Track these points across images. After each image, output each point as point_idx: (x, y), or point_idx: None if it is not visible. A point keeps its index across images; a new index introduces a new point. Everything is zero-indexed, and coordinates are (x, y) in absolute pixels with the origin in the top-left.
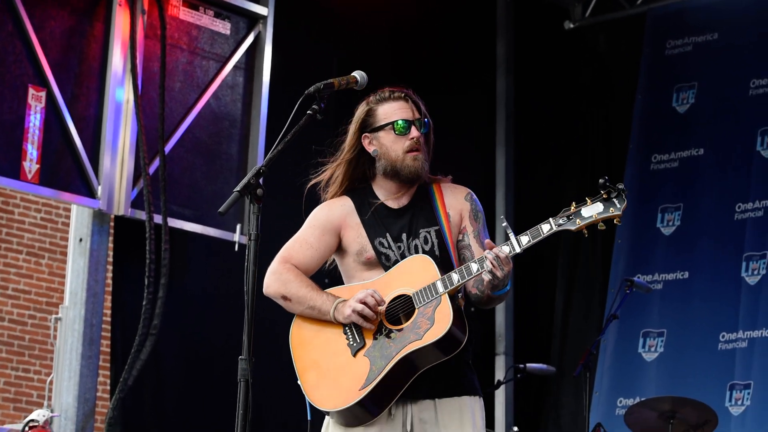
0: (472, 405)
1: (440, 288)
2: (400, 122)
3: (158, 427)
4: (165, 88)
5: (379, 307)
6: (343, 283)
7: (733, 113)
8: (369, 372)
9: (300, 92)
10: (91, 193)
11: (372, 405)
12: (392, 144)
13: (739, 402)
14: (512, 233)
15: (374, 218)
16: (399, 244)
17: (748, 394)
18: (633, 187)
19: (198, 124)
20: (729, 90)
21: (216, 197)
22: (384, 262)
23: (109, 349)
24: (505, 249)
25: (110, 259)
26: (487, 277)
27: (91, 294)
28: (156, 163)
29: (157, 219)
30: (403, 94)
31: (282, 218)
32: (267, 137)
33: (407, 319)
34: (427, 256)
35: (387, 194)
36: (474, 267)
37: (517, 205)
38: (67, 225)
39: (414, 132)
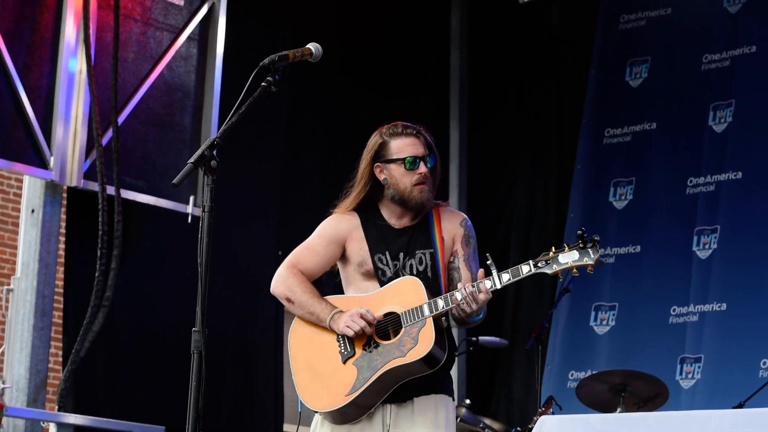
0: (446, 403)
1: (426, 311)
2: (410, 158)
3: (111, 398)
4: (118, 58)
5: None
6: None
7: (685, 88)
8: (355, 380)
9: (254, 64)
10: (43, 164)
11: (356, 409)
12: (402, 177)
13: (690, 375)
14: (495, 269)
15: (377, 235)
16: (396, 261)
17: (699, 367)
18: (586, 161)
19: (151, 96)
20: (682, 65)
21: (169, 169)
22: (380, 276)
23: (61, 321)
24: (487, 284)
25: (63, 231)
26: (461, 305)
27: (44, 265)
28: (109, 134)
29: (110, 190)
30: (414, 131)
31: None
32: (220, 109)
33: (395, 335)
34: (418, 280)
35: (391, 215)
36: (458, 296)
37: (470, 178)
38: (19, 196)
39: (422, 168)
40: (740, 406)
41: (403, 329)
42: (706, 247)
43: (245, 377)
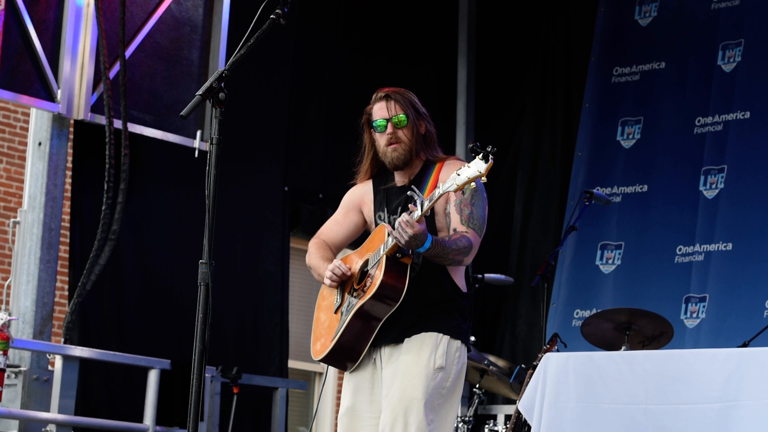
0: (436, 339)
1: (381, 250)
2: (377, 122)
3: (117, 331)
4: None
5: (349, 272)
6: None
7: (695, 27)
8: (338, 325)
9: None
10: (50, 97)
11: (344, 352)
12: (379, 140)
13: (695, 315)
14: (419, 197)
15: (382, 196)
16: (394, 216)
17: (704, 307)
18: (594, 100)
19: (159, 29)
20: (691, 3)
21: (176, 103)
22: None
23: (67, 256)
24: (414, 214)
25: (69, 164)
26: (393, 239)
27: (50, 198)
28: (116, 67)
29: (117, 124)
30: (384, 95)
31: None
32: (228, 44)
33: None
34: (386, 224)
35: (398, 175)
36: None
37: (477, 116)
38: (26, 130)
39: (389, 128)
40: (744, 345)
41: (368, 271)
42: (713, 186)
43: (251, 312)
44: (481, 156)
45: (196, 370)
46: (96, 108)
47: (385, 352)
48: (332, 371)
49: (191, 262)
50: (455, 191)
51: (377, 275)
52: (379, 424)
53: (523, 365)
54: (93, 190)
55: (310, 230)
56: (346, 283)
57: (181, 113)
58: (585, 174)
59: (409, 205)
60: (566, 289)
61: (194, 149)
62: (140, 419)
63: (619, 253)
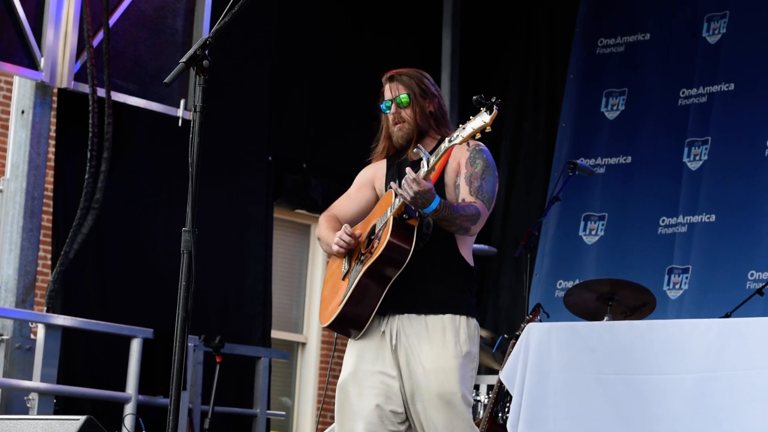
0: (456, 323)
1: (388, 213)
2: (383, 104)
3: (99, 300)
4: None
5: (358, 239)
6: None
7: None
8: (345, 290)
9: None
10: (33, 65)
11: (352, 317)
12: (387, 121)
13: (677, 286)
14: (425, 154)
15: (395, 170)
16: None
17: (686, 278)
18: (578, 71)
19: None
20: None
21: (160, 72)
22: None
23: (50, 225)
24: (421, 172)
25: (52, 133)
26: (400, 195)
27: (33, 166)
28: (100, 36)
29: (101, 92)
30: (388, 77)
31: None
32: (213, 11)
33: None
34: (391, 189)
35: (410, 152)
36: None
37: (461, 87)
38: (8, 98)
39: (393, 109)
40: (727, 316)
41: (376, 234)
42: (697, 158)
43: (235, 281)
44: (485, 108)
45: (178, 338)
46: (79, 76)
47: (395, 323)
48: (318, 341)
49: (175, 231)
50: (460, 143)
51: (383, 236)
52: (378, 396)
53: (505, 335)
54: (76, 158)
55: (293, 200)
56: (353, 251)
57: (165, 80)
58: (569, 145)
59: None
60: (549, 260)
61: (178, 118)
62: (123, 388)
63: (603, 224)
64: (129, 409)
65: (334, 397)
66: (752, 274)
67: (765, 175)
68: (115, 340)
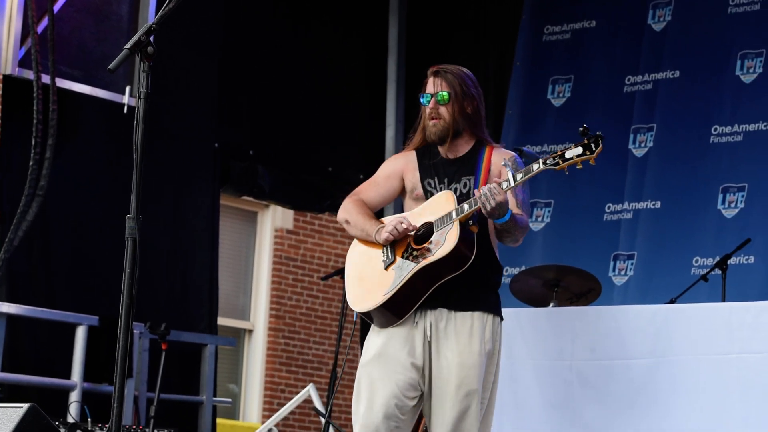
0: (484, 322)
1: (453, 215)
2: (423, 96)
3: (45, 288)
4: None
5: (409, 232)
6: None
7: None
8: (393, 281)
9: None
10: None
11: (394, 308)
12: (424, 114)
13: (623, 272)
14: (510, 170)
15: (429, 165)
16: (442, 185)
17: (632, 264)
18: (524, 59)
19: None
20: None
21: (105, 58)
22: (428, 198)
23: None
24: (504, 184)
25: None
26: (479, 202)
27: None
28: (44, 22)
29: (45, 79)
30: (434, 71)
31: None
32: None
33: (428, 240)
34: (451, 191)
35: (443, 150)
36: (476, 194)
37: (408, 74)
38: None
39: (432, 103)
40: (672, 302)
41: (434, 233)
42: (642, 145)
43: (181, 268)
44: (591, 140)
45: (122, 325)
46: (24, 63)
47: (428, 317)
48: (265, 328)
49: (121, 218)
50: (558, 169)
51: (450, 239)
52: (401, 373)
53: None
54: (21, 145)
55: (240, 187)
56: (397, 242)
57: (109, 67)
58: (515, 132)
59: (495, 178)
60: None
61: (123, 105)
62: (68, 376)
63: (549, 211)
64: (74, 396)
65: (280, 383)
66: (697, 261)
67: (710, 162)
68: (61, 327)
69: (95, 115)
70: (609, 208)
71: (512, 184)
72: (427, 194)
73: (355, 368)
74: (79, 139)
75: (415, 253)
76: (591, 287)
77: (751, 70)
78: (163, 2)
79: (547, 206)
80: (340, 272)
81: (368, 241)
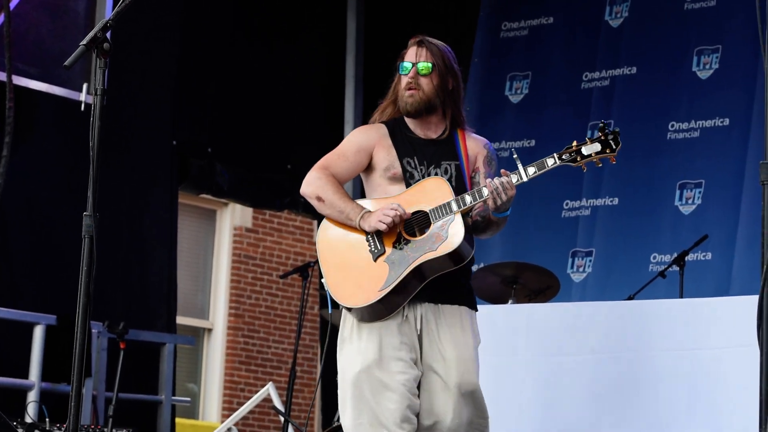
0: (471, 315)
1: (454, 207)
2: (403, 64)
3: (6, 286)
4: None
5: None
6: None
7: None
8: (388, 276)
9: None
10: None
11: (388, 304)
12: (400, 83)
13: (581, 269)
14: (521, 163)
15: (405, 142)
16: (422, 167)
17: (590, 261)
18: (483, 55)
19: None
20: None
21: (62, 55)
22: (408, 179)
23: None
24: (514, 177)
25: None
26: (492, 195)
27: None
28: (0, 19)
29: (2, 76)
30: (417, 40)
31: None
32: None
33: (422, 233)
34: (443, 179)
35: (415, 127)
36: (485, 191)
37: (366, 71)
38: None
39: (412, 72)
40: (630, 299)
41: (432, 225)
42: None
43: (139, 267)
44: (611, 136)
45: (80, 324)
46: None
47: (418, 309)
48: (224, 327)
49: (78, 216)
50: (575, 165)
51: (455, 234)
52: (406, 373)
53: None
54: None
55: (198, 184)
56: (384, 232)
57: (65, 63)
58: (473, 128)
59: (501, 170)
60: None
61: (80, 102)
62: (26, 376)
63: None
64: (32, 396)
65: (239, 382)
66: (654, 257)
67: (667, 159)
68: (18, 326)
69: (52, 112)
70: (567, 204)
71: (524, 179)
72: (406, 174)
73: (314, 367)
74: (36, 136)
75: (411, 245)
76: (549, 284)
77: (707, 66)
78: None
79: None
80: (299, 270)
81: (344, 224)
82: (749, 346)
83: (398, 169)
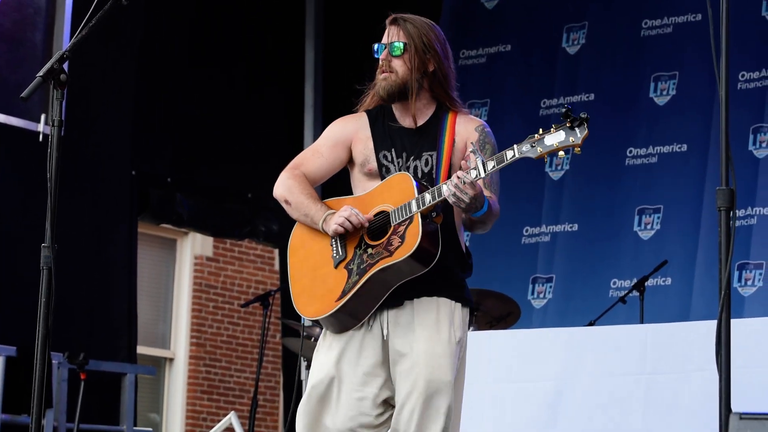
0: (450, 306)
1: (414, 207)
2: (376, 46)
3: None
4: None
5: (363, 225)
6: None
7: (540, 9)
8: (345, 284)
9: None
10: None
11: (348, 316)
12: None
13: (541, 295)
14: (480, 158)
15: (384, 133)
16: (400, 160)
17: (550, 287)
18: None
19: (1, 11)
20: None
21: (20, 86)
22: (384, 174)
23: None
24: (472, 173)
25: None
26: (451, 199)
27: None
28: None
29: None
30: (391, 19)
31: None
32: (72, 25)
33: (384, 236)
34: (408, 174)
35: (400, 115)
36: (444, 189)
37: (325, 98)
38: None
39: (383, 54)
40: (591, 324)
41: (391, 228)
42: (558, 168)
43: (99, 297)
44: (576, 123)
45: (39, 355)
46: None
47: (389, 317)
48: (186, 356)
49: (37, 248)
50: (536, 158)
51: (413, 235)
52: (361, 391)
53: None
54: None
55: (158, 214)
56: (348, 235)
57: (22, 95)
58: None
59: (461, 162)
60: None
61: (38, 133)
62: None
63: (467, 235)
64: None
65: (201, 412)
66: (614, 283)
67: (626, 184)
68: None
69: (10, 143)
70: (527, 231)
71: (482, 175)
72: (382, 169)
73: (277, 396)
74: None
75: (370, 250)
76: (510, 310)
77: (664, 93)
78: (77, 30)
79: (466, 231)
80: (260, 299)
81: (312, 227)
82: (708, 371)
83: (373, 165)
